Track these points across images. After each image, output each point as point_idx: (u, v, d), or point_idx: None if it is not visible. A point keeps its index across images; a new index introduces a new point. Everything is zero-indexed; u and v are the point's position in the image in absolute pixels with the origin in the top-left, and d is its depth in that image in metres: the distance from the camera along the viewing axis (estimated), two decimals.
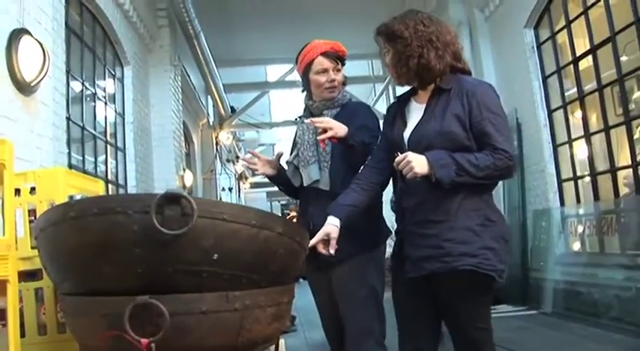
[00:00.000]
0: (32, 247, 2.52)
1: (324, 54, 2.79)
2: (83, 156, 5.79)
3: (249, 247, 1.95)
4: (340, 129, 2.48)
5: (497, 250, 2.11)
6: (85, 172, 5.75)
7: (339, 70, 2.83)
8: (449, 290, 2.17)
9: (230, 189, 13.61)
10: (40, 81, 3.54)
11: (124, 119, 7.18)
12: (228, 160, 16.67)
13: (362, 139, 2.52)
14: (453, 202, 2.10)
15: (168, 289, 1.89)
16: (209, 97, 13.28)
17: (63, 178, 2.67)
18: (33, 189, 2.64)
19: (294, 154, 2.87)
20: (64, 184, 2.65)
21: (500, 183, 7.81)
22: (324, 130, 2.48)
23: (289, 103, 13.87)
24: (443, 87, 2.17)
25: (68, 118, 5.30)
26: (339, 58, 2.82)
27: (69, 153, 5.33)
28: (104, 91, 6.67)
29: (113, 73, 7.02)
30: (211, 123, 13.82)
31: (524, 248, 7.33)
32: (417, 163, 2.00)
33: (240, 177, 21.71)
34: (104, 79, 6.70)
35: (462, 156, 2.03)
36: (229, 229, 1.90)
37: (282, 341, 2.42)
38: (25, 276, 2.58)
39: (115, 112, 6.99)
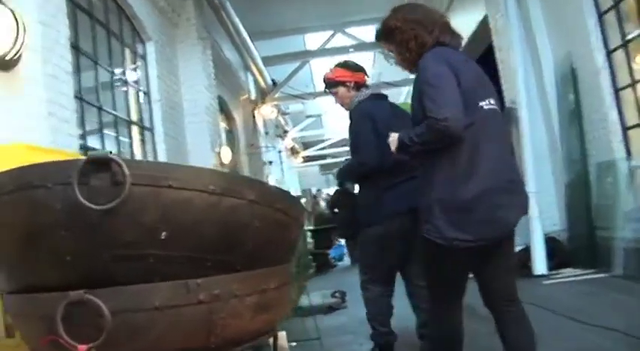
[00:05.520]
0: None
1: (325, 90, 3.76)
2: (102, 137, 5.46)
3: (208, 221, 1.51)
4: None
5: (448, 220, 2.17)
6: None
7: (334, 95, 3.61)
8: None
9: (270, 162, 13.12)
10: (16, 55, 3.17)
11: (149, 98, 6.83)
12: (276, 135, 16.30)
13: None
14: (424, 175, 2.31)
15: (108, 281, 1.48)
16: (248, 72, 12.90)
17: (24, 155, 2.28)
18: None
19: None
20: (25, 162, 2.26)
21: (558, 135, 7.16)
22: None
23: None
24: (418, 69, 2.33)
25: (81, 99, 4.97)
26: (328, 86, 3.64)
27: (84, 134, 5.01)
28: (124, 69, 6.32)
29: (134, 50, 6.67)
30: (253, 98, 13.45)
31: (588, 205, 6.62)
32: (392, 142, 2.38)
33: (292, 151, 21.38)
34: (123, 56, 6.34)
35: (413, 129, 2.28)
36: (178, 199, 1.47)
37: (282, 334, 1.99)
38: None
39: (139, 90, 6.65)
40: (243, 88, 12.89)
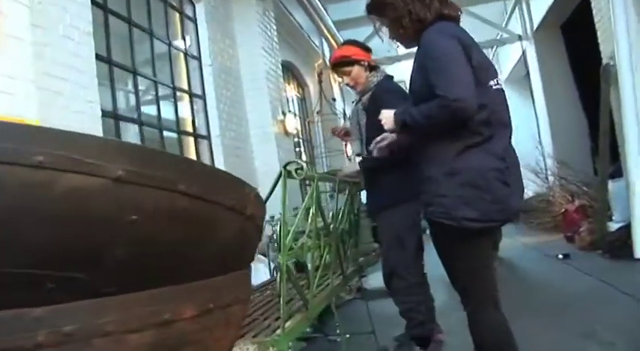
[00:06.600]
0: None
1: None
2: (138, 104, 4.97)
3: (36, 213, 0.89)
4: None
5: (458, 197, 2.05)
6: (142, 123, 4.97)
7: (346, 74, 3.38)
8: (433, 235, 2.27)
9: None
10: None
11: (200, 62, 6.31)
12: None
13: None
14: (423, 155, 2.17)
15: None
16: (323, 37, 12.23)
17: None
18: None
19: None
20: None
21: None
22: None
23: None
24: (420, 43, 2.23)
25: (109, 62, 4.51)
26: (340, 65, 3.40)
27: (113, 100, 4.54)
28: (167, 31, 5.80)
29: (180, 10, 6.15)
30: (327, 64, 12.78)
31: None
32: (386, 121, 2.26)
33: None
34: (165, 18, 5.81)
35: (417, 107, 2.11)
36: None
37: None
38: None
39: (186, 54, 6.13)
40: (318, 53, 12.25)
